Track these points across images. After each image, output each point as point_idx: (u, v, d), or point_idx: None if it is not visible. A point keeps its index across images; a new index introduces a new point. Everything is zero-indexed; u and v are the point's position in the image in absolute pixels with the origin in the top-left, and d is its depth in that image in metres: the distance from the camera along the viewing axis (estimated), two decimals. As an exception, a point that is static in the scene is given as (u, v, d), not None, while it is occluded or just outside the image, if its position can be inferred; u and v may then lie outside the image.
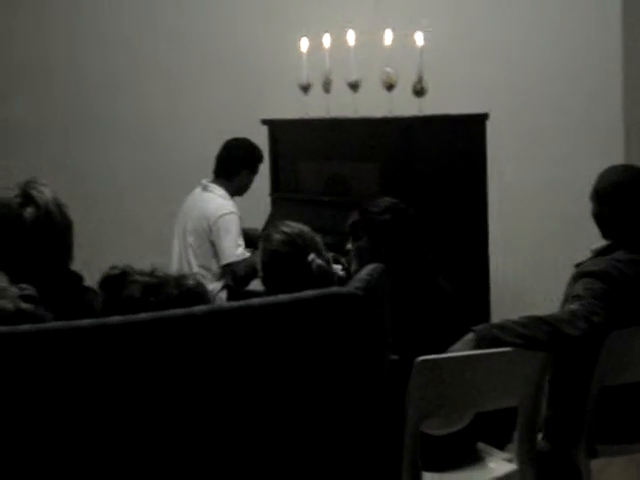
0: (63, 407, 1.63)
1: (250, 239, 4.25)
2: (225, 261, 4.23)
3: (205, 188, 4.34)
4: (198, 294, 1.95)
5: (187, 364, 1.68)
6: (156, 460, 1.68)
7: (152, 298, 1.93)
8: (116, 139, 5.37)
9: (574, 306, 2.73)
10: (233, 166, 4.36)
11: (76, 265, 2.47)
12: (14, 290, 1.91)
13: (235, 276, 4.25)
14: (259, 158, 4.40)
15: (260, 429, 1.73)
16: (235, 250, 4.22)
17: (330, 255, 2.89)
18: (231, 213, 4.25)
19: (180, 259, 4.33)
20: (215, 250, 4.25)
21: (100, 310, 2.00)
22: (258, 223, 4.43)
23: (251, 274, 4.08)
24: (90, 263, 2.55)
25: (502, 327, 2.69)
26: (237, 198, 4.42)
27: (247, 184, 4.40)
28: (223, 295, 4.28)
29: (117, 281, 1.98)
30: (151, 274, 1.97)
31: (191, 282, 1.97)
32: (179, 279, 1.97)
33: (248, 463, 1.74)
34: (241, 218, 4.28)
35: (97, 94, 5.34)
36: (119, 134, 5.37)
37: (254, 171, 4.39)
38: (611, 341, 2.76)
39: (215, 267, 4.27)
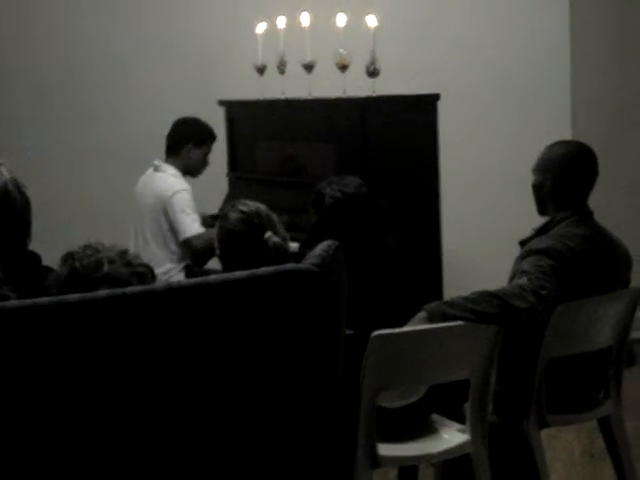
0: (26, 383, 1.64)
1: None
2: (182, 237, 4.21)
3: (157, 168, 4.33)
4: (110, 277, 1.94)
5: (145, 340, 1.69)
6: (115, 435, 1.70)
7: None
8: (72, 119, 5.32)
9: (522, 281, 2.78)
10: (177, 141, 4.33)
11: (33, 245, 2.48)
12: (-22, 270, 1.92)
13: (194, 251, 4.25)
14: (204, 132, 4.34)
15: (217, 404, 1.76)
16: (191, 225, 4.20)
17: (286, 233, 2.93)
18: (183, 190, 4.22)
19: (137, 241, 4.33)
20: (172, 230, 4.25)
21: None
22: (215, 203, 4.45)
23: (209, 251, 4.07)
24: (47, 243, 2.56)
25: (452, 304, 2.73)
26: (196, 179, 4.38)
27: (197, 161, 4.34)
28: (182, 276, 4.28)
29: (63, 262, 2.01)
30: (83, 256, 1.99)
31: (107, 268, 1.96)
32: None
33: (206, 437, 1.76)
34: (194, 196, 4.25)
35: (53, 75, 5.29)
36: (76, 114, 5.32)
37: (199, 145, 4.32)
38: (558, 314, 2.81)
39: (174, 247, 4.26)
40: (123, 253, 1.98)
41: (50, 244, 2.45)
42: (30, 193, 2.42)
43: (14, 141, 5.16)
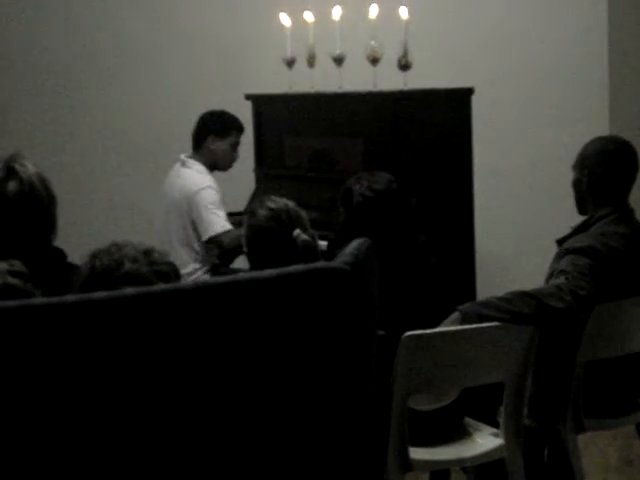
0: (50, 383, 1.61)
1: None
2: (207, 235, 4.13)
3: (183, 164, 4.26)
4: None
5: (174, 340, 1.66)
6: (142, 437, 1.67)
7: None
8: (99, 116, 5.31)
9: (559, 280, 2.74)
10: (201, 132, 4.25)
11: (59, 242, 2.45)
12: (3, 265, 1.90)
13: (222, 248, 4.18)
14: (227, 123, 4.24)
15: (247, 405, 1.72)
16: (218, 222, 4.10)
17: (314, 231, 2.88)
18: (208, 187, 4.14)
19: (162, 237, 4.26)
20: (197, 229, 4.16)
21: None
22: (242, 200, 4.40)
23: (236, 248, 4.01)
24: (74, 240, 2.53)
25: (487, 304, 2.69)
26: (221, 175, 4.33)
27: (222, 154, 4.24)
28: (207, 277, 4.20)
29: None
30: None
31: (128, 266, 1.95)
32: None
33: (234, 437, 1.73)
34: (219, 193, 4.17)
35: (77, 70, 5.28)
36: (102, 110, 5.31)
37: (222, 136, 4.22)
38: (596, 315, 2.76)
39: (199, 247, 4.17)
40: (148, 252, 1.96)
41: (77, 241, 2.41)
42: (56, 189, 2.39)
43: (41, 137, 5.15)
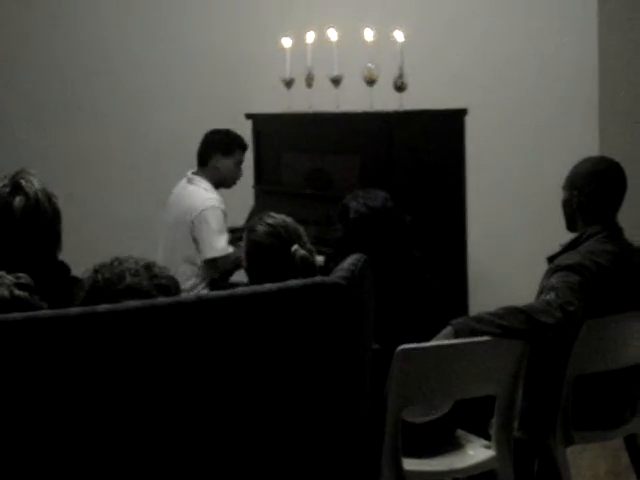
0: (55, 393, 1.65)
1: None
2: (207, 255, 4.18)
3: (190, 181, 4.31)
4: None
5: (176, 351, 1.70)
6: (146, 445, 1.70)
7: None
8: (100, 132, 5.36)
9: (549, 296, 2.78)
10: (206, 150, 4.32)
11: (63, 256, 2.49)
12: (10, 278, 1.93)
13: (218, 271, 4.24)
14: (232, 141, 4.32)
15: (245, 416, 1.76)
16: (217, 245, 4.17)
17: (312, 246, 2.93)
18: (214, 207, 4.19)
19: (165, 252, 4.31)
20: (198, 245, 4.23)
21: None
22: (242, 215, 4.46)
23: (233, 270, 4.09)
24: (76, 255, 2.58)
25: (479, 319, 2.73)
26: (222, 192, 4.36)
27: (227, 172, 4.31)
28: (206, 291, 4.25)
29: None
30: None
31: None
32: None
33: (233, 449, 1.76)
34: (225, 212, 4.24)
35: (82, 87, 5.34)
36: (103, 128, 5.36)
37: (227, 154, 4.29)
38: (585, 330, 2.80)
39: (200, 262, 4.22)
40: (148, 266, 1.99)
41: (79, 257, 2.47)
42: (60, 205, 2.44)
43: (40, 152, 5.20)
